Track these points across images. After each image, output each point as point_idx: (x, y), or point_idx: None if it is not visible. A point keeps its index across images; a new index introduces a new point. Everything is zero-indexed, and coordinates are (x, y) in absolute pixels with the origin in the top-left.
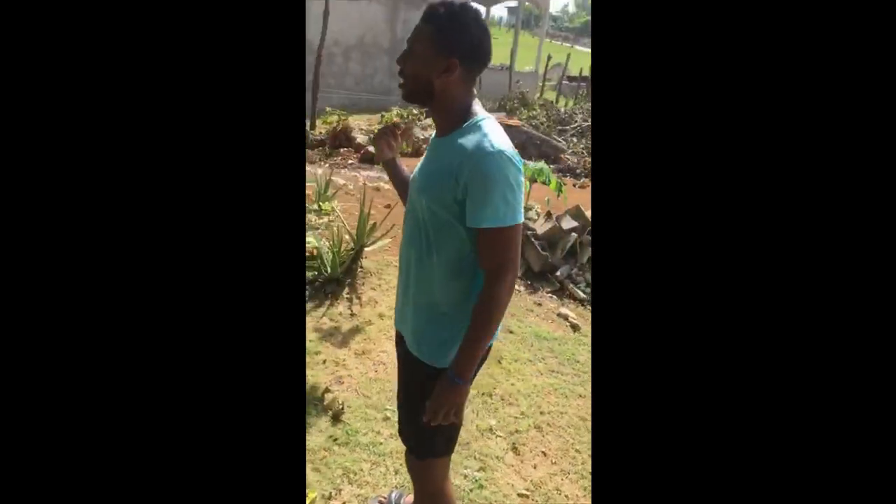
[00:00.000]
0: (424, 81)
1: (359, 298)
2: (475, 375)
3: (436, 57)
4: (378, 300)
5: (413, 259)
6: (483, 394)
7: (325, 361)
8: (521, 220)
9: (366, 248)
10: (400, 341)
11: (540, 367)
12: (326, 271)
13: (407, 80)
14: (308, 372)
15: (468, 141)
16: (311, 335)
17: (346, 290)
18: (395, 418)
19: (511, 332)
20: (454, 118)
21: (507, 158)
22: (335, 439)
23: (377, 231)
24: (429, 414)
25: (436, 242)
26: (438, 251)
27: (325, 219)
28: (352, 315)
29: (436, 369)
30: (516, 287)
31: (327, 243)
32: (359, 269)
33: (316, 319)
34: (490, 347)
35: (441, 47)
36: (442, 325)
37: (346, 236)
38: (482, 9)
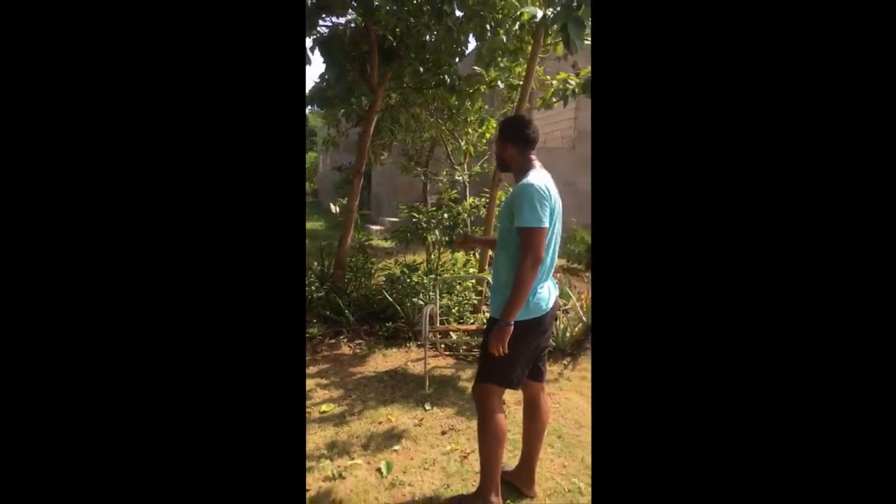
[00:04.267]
0: (500, 158)
1: (574, 365)
2: (534, 329)
3: (501, 145)
4: (587, 370)
5: (496, 258)
6: None
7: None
8: (542, 225)
9: None
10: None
11: None
12: (557, 342)
13: (496, 159)
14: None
15: (519, 184)
16: None
17: (568, 358)
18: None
19: None
20: (518, 175)
21: (532, 188)
22: None
23: None
24: (490, 346)
25: (504, 243)
26: (506, 249)
27: (569, 302)
28: (559, 374)
29: (496, 320)
30: None
31: (564, 322)
32: (587, 348)
33: None
34: (544, 319)
35: (502, 139)
36: (502, 292)
37: (582, 321)
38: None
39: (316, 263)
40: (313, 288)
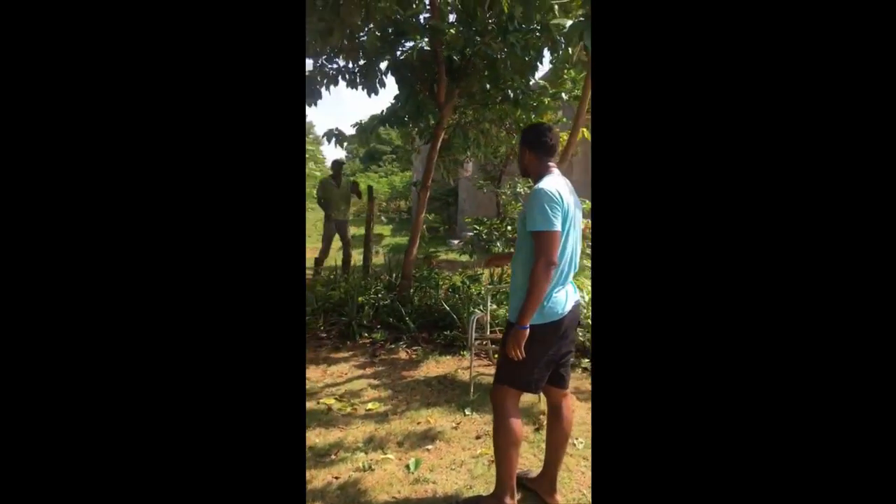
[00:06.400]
0: (521, 164)
1: None
2: (550, 333)
3: (521, 150)
4: None
5: (513, 263)
6: None
7: None
8: (553, 228)
9: None
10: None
11: None
12: None
13: (518, 165)
14: None
15: (532, 190)
16: None
17: None
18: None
19: None
20: (535, 180)
21: (542, 192)
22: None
23: None
24: (507, 350)
25: (520, 248)
26: (521, 253)
27: None
28: None
29: (511, 324)
30: None
31: None
32: None
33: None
34: (561, 323)
35: (522, 146)
36: (518, 296)
37: None
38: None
39: (385, 275)
40: (380, 296)
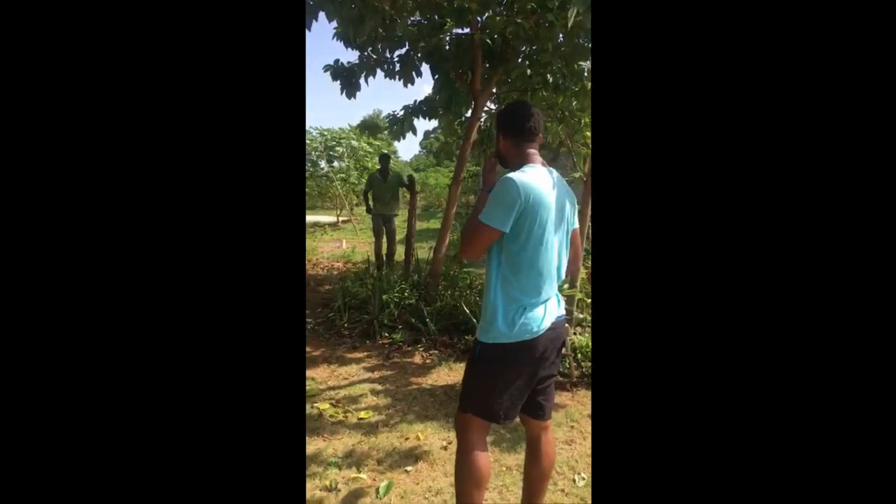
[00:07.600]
0: (497, 151)
1: None
2: (523, 353)
3: (496, 136)
4: None
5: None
6: None
7: None
8: (493, 225)
9: None
10: None
11: None
12: None
13: (496, 153)
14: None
15: None
16: None
17: None
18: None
19: None
20: (513, 170)
21: (504, 183)
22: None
23: None
24: None
25: (488, 255)
26: (488, 262)
27: None
28: None
29: (479, 342)
30: None
31: None
32: None
33: None
34: (536, 343)
35: (496, 130)
36: (487, 310)
37: None
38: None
39: (415, 275)
40: (405, 294)
